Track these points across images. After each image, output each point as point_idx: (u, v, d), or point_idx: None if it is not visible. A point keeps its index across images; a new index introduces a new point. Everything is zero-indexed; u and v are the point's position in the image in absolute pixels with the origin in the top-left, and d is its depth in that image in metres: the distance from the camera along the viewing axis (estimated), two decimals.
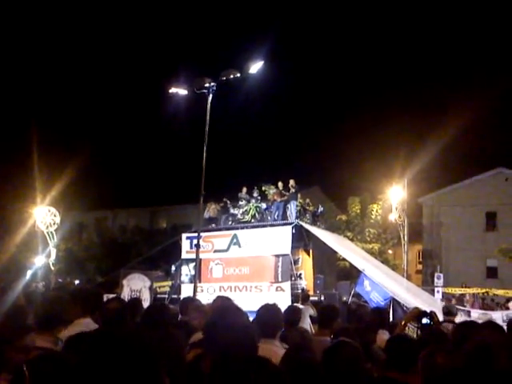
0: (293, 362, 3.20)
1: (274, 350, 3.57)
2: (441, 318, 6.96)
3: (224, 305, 4.16)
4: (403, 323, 5.10)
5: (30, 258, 28.91)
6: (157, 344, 1.59)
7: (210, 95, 14.04)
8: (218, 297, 5.21)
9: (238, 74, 13.85)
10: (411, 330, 7.01)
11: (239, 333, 2.25)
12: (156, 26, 72.38)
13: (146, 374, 1.40)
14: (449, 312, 7.67)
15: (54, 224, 26.40)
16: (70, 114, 64.00)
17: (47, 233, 26.41)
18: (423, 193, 37.34)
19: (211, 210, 21.53)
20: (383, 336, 5.04)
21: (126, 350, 1.41)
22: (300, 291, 16.87)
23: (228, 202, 22.09)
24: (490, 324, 4.90)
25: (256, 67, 13.99)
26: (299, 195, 20.80)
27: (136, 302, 5.99)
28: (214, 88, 13.96)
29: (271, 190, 20.77)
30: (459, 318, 10.88)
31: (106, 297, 5.25)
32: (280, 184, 20.41)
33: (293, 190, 19.83)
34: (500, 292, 26.68)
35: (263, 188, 21.18)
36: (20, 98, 55.01)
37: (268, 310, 4.04)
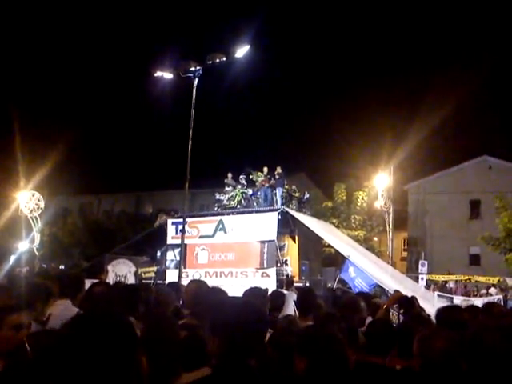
0: (278, 346, 3.18)
1: None
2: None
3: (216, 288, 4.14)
4: (385, 307, 5.11)
5: (13, 242, 28.61)
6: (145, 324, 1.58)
7: (196, 79, 13.90)
8: (192, 281, 5.16)
9: (224, 58, 13.72)
10: (395, 316, 7.03)
11: (249, 309, 2.21)
12: (142, 8, 71.45)
13: (122, 353, 1.42)
14: None
15: (38, 209, 26.17)
16: (54, 97, 63.20)
17: (31, 217, 26.16)
18: (409, 180, 37.59)
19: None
20: (366, 321, 5.04)
21: (102, 331, 1.43)
22: (285, 277, 16.93)
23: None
24: (472, 308, 4.94)
25: (242, 51, 13.85)
26: (285, 182, 20.82)
27: (119, 286, 5.94)
28: (200, 72, 13.81)
29: (259, 178, 20.71)
30: (442, 304, 10.98)
31: (90, 282, 5.18)
32: (265, 169, 20.39)
33: (277, 177, 19.83)
34: (482, 279, 27.04)
35: (251, 176, 21.12)
36: (1, 80, 54.12)
37: (254, 293, 4.04)
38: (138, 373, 1.46)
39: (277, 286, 15.64)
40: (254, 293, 4.17)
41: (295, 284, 15.08)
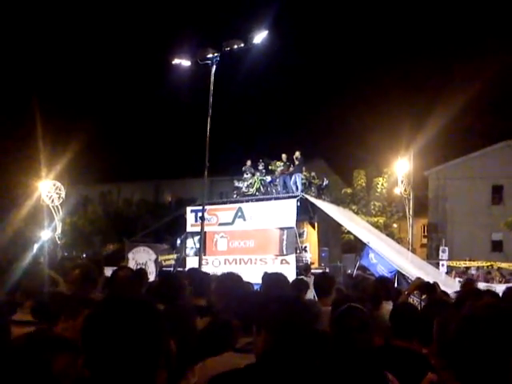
0: None
1: None
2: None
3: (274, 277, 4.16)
4: (407, 293, 5.09)
5: (36, 231, 29.07)
6: (164, 312, 1.58)
7: (214, 66, 13.84)
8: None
9: (242, 44, 13.63)
10: (415, 303, 6.99)
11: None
12: None
13: (151, 336, 1.42)
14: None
15: (59, 198, 26.49)
16: (74, 86, 63.70)
17: (52, 207, 26.51)
18: (429, 166, 37.11)
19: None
20: (387, 307, 5.01)
21: (131, 314, 1.44)
22: (303, 264, 16.94)
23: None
24: (489, 292, 4.88)
25: (260, 37, 13.75)
26: (304, 168, 20.76)
27: (142, 272, 5.98)
28: (218, 59, 13.75)
29: (278, 168, 20.68)
30: None
31: (111, 269, 5.22)
32: (284, 156, 20.33)
33: (297, 162, 19.74)
34: (504, 265, 26.67)
35: (270, 166, 21.11)
36: (22, 70, 54.68)
37: (271, 277, 4.06)
38: (167, 356, 1.45)
39: (296, 273, 15.66)
40: (272, 277, 4.18)
41: (314, 270, 15.12)
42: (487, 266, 27.51)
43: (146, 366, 1.40)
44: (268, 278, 4.18)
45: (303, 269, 13.15)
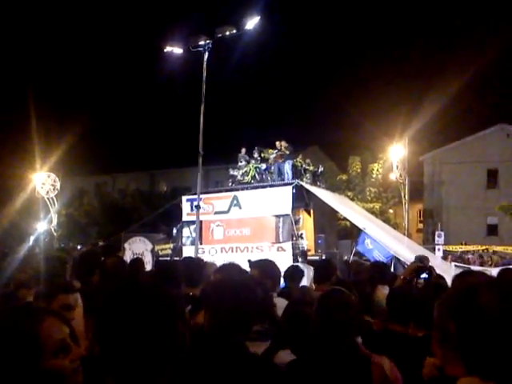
0: (291, 316, 3.17)
1: None
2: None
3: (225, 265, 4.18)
4: (402, 277, 5.08)
5: (31, 223, 28.99)
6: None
7: (206, 53, 13.75)
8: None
9: (234, 31, 13.53)
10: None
11: (235, 287, 2.26)
12: None
13: (166, 319, 1.42)
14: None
15: (54, 190, 26.41)
16: (67, 77, 63.25)
17: (47, 198, 26.42)
18: (424, 151, 37.14)
19: None
20: (383, 291, 5.02)
21: (148, 297, 1.44)
22: (300, 251, 16.98)
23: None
24: (481, 272, 4.87)
25: (252, 23, 13.65)
26: (301, 155, 20.75)
27: (139, 261, 5.97)
28: (210, 46, 13.65)
29: (271, 155, 20.61)
30: None
31: None
32: (278, 144, 20.25)
33: (287, 152, 19.69)
34: (499, 248, 26.82)
35: (262, 154, 21.05)
36: (17, 62, 54.22)
37: (262, 264, 4.06)
38: (182, 343, 1.44)
39: (293, 260, 15.68)
40: (262, 264, 4.19)
41: (310, 257, 15.17)
42: (483, 250, 27.67)
43: (160, 350, 1.39)
44: (255, 264, 4.18)
45: (300, 255, 13.18)
